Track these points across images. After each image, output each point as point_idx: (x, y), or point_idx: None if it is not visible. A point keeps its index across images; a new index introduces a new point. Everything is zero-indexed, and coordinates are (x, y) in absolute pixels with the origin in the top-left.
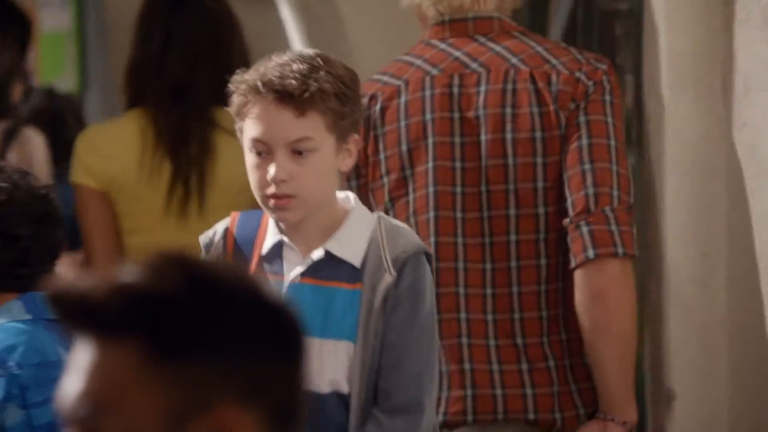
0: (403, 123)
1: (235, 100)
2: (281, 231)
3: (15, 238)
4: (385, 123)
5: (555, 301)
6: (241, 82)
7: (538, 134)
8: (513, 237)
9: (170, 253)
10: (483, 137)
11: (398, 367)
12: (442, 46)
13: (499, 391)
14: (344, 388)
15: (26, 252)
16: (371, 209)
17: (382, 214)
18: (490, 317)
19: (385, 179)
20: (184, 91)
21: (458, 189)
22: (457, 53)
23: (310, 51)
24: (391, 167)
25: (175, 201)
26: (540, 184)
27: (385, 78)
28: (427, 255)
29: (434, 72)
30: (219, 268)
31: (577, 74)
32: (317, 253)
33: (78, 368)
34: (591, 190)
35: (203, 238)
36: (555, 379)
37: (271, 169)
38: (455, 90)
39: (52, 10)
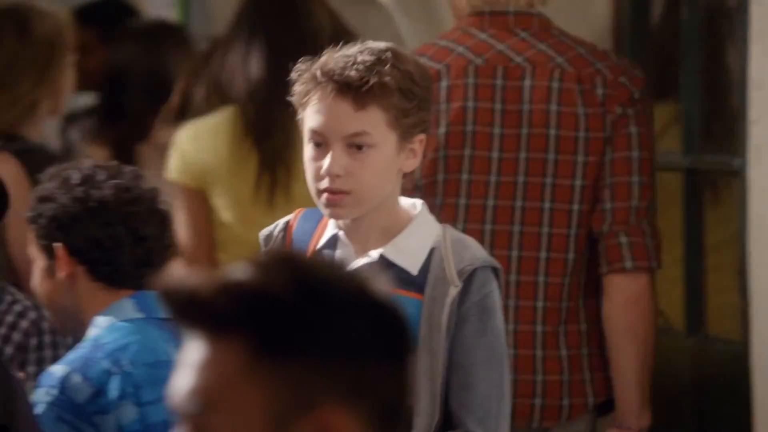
0: (443, 106)
1: (297, 89)
2: (339, 226)
3: (143, 238)
4: None
5: (576, 293)
6: (303, 71)
7: (582, 134)
8: (546, 229)
9: (279, 253)
10: (524, 130)
11: (467, 388)
12: (483, 36)
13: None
14: None
15: (151, 252)
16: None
17: (448, 225)
18: (512, 303)
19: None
20: (269, 84)
21: (493, 178)
22: (500, 46)
23: (381, 44)
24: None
25: (263, 192)
26: (578, 182)
27: (423, 60)
28: (495, 270)
29: (478, 62)
30: (327, 268)
31: (621, 79)
32: (373, 255)
33: (188, 365)
34: (635, 203)
35: (264, 232)
36: (566, 368)
37: (326, 162)
38: (498, 82)
39: (157, 6)
